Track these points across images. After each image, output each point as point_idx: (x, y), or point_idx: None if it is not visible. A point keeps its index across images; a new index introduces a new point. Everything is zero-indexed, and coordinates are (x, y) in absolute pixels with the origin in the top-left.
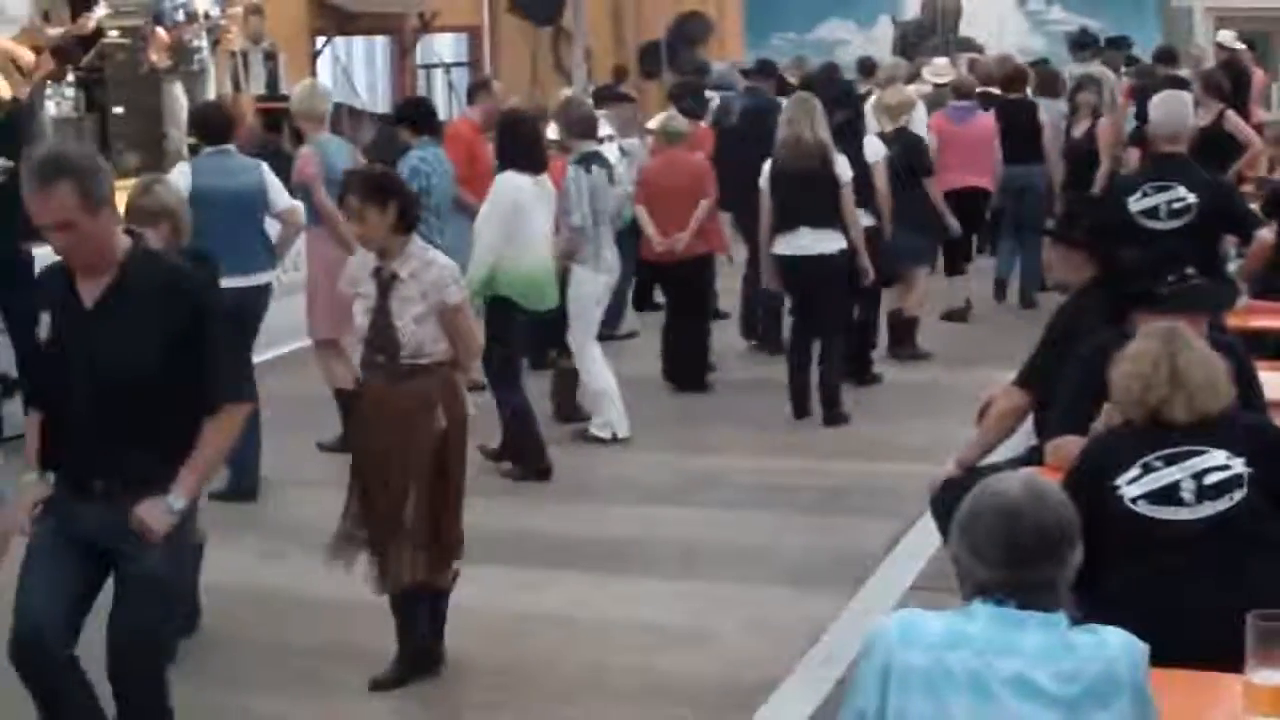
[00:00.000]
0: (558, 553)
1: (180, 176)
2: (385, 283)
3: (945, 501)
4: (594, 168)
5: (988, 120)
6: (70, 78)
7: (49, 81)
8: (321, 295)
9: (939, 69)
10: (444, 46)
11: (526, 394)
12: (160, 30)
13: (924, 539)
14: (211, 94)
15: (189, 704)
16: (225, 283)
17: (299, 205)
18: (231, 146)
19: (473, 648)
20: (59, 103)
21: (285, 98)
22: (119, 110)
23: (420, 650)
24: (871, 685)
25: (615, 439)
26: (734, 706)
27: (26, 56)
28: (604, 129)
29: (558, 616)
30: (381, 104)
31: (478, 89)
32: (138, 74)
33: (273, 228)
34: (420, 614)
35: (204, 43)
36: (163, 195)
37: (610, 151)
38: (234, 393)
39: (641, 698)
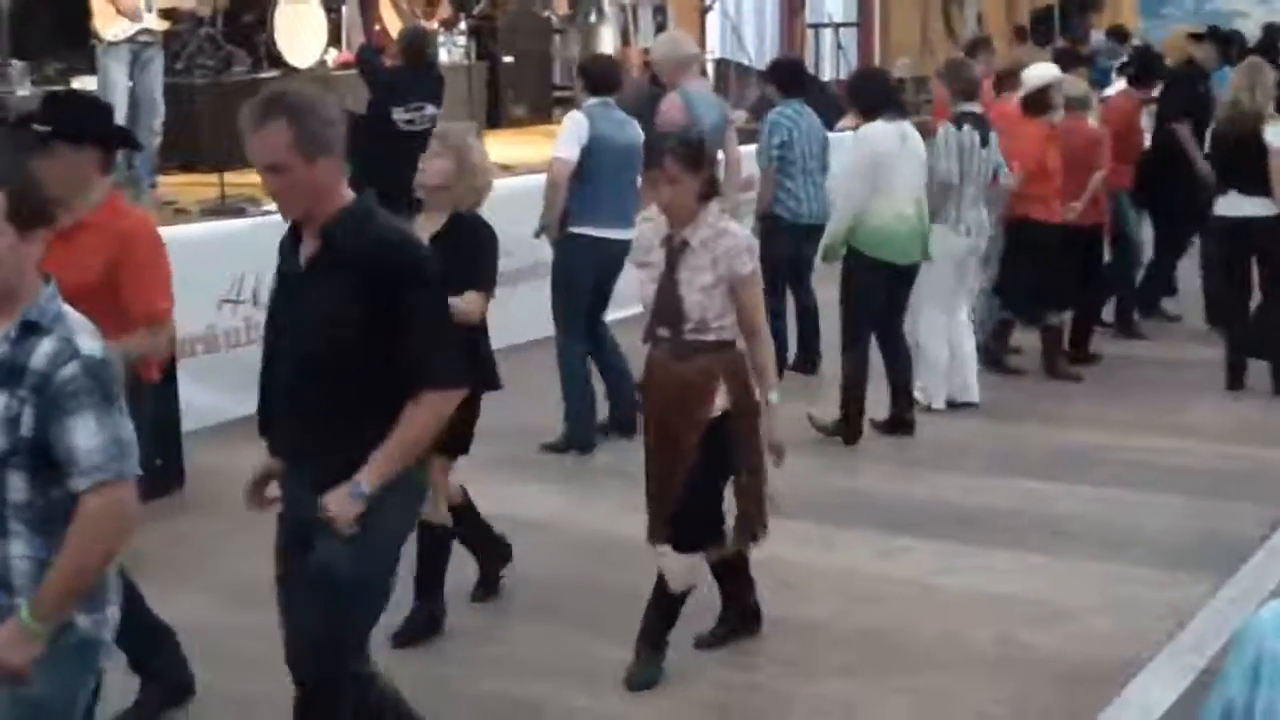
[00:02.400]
0: (922, 520)
1: (578, 125)
2: (675, 250)
3: None
4: (965, 126)
5: None
6: (462, 25)
7: (443, 29)
8: None
9: None
10: (834, 6)
11: (868, 363)
12: None
13: None
14: (606, 46)
15: (550, 646)
16: (603, 233)
17: None
18: (612, 99)
19: (830, 611)
20: (450, 50)
21: None
22: (509, 59)
23: (742, 612)
24: (1242, 676)
25: (929, 409)
26: (1093, 686)
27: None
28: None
29: (917, 583)
30: (769, 61)
31: (977, 46)
32: (528, 23)
33: None
34: (742, 578)
35: None
36: (463, 135)
37: None
38: (439, 377)
39: (998, 669)
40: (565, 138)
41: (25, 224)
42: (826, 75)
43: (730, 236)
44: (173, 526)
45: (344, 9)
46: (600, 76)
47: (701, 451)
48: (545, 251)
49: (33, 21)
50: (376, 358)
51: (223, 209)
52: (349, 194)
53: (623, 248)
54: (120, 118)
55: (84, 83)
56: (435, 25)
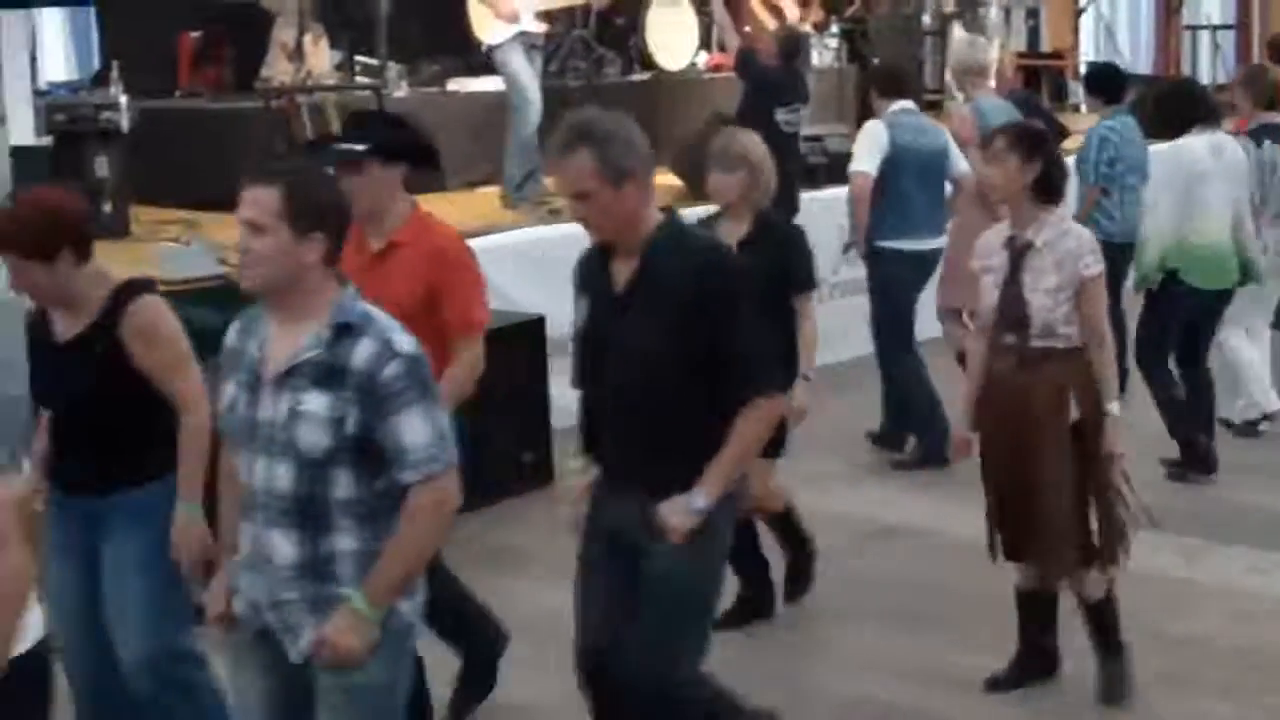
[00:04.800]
0: None
1: (876, 136)
2: (1018, 252)
3: None
4: (1265, 142)
5: None
6: (834, 28)
7: (815, 31)
8: (959, 264)
9: None
10: (1212, 7)
11: (1176, 383)
12: None
13: None
14: (991, 47)
15: (913, 650)
16: (913, 245)
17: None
18: (913, 104)
19: (1209, 627)
20: (821, 53)
21: (1045, 54)
22: (879, 62)
23: (1035, 652)
24: None
25: (1264, 417)
26: None
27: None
28: None
29: None
30: (1144, 65)
31: None
32: (900, 26)
33: None
34: (1043, 617)
35: None
36: (744, 142)
37: None
38: (766, 384)
39: None
40: (863, 150)
41: (301, 225)
42: (1204, 79)
43: (1075, 237)
44: (543, 522)
45: (714, 12)
46: (893, 81)
47: (1060, 466)
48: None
49: (410, 24)
50: (699, 371)
51: None
52: (657, 214)
53: (935, 255)
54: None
55: (460, 84)
56: (807, 27)
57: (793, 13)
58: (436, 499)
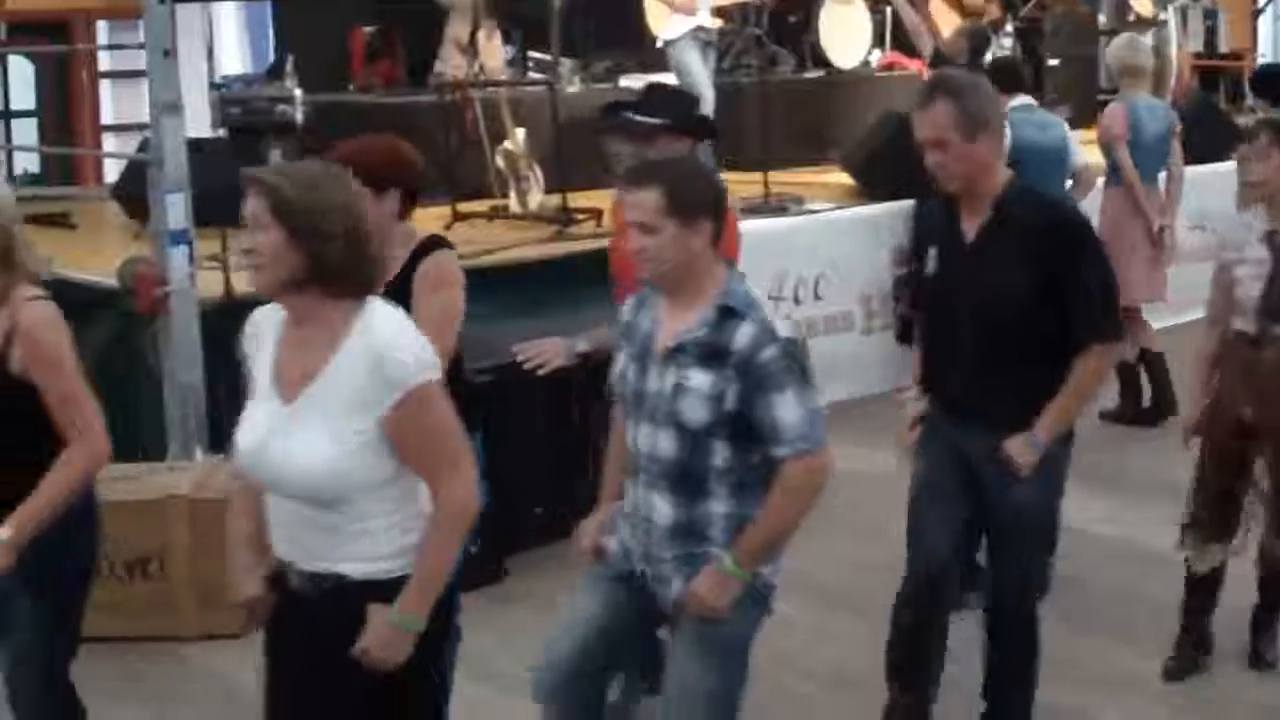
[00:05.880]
0: None
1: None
2: None
3: None
4: None
5: None
6: (1009, 26)
7: (991, 29)
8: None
9: None
10: None
11: None
12: None
13: None
14: (1171, 49)
15: (1084, 654)
16: None
17: (1091, 165)
18: (1033, 100)
19: None
20: (996, 52)
21: (1222, 55)
22: (1054, 62)
23: (1200, 636)
24: None
25: None
26: None
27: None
28: None
29: None
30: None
31: None
32: (1075, 26)
33: None
34: (1210, 601)
35: None
36: None
37: None
38: (1107, 332)
39: None
40: None
41: (685, 216)
42: None
43: None
44: None
45: (890, 11)
46: (1011, 77)
47: None
48: None
49: (582, 21)
50: (1044, 316)
51: (765, 207)
52: (1006, 170)
53: None
54: (706, 103)
55: (633, 80)
56: (984, 24)
57: (974, 3)
58: (808, 474)
